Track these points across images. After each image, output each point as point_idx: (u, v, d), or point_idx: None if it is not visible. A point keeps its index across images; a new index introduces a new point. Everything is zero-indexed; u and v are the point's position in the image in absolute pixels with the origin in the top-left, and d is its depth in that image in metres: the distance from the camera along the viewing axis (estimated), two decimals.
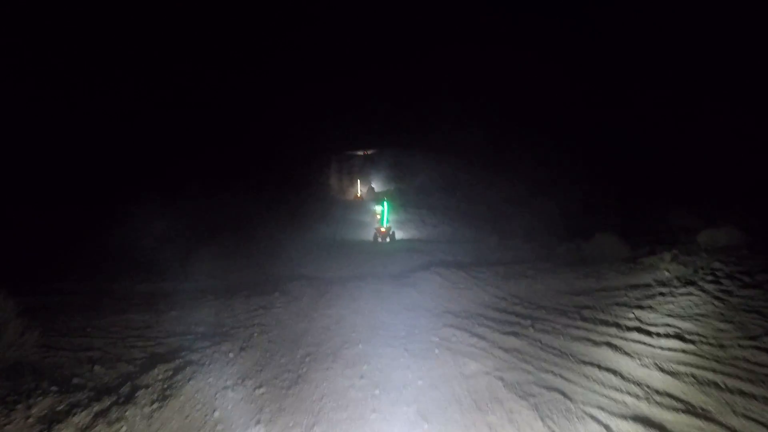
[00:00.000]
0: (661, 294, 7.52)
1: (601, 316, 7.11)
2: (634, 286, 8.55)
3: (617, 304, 7.60)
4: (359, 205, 25.88)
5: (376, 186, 29.18)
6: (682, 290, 7.36)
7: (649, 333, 5.90)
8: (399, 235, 18.26)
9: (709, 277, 7.64)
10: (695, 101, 24.76)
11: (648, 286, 8.39)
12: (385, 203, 18.61)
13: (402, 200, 23.72)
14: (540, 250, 14.19)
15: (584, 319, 7.14)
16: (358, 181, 29.51)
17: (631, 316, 6.85)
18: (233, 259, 14.07)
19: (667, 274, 8.79)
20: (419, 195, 25.70)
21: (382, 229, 17.56)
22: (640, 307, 7.07)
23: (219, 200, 20.27)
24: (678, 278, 8.32)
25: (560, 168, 26.60)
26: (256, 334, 7.12)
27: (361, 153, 32.82)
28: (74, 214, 17.83)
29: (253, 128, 32.40)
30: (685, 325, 5.88)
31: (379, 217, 18.48)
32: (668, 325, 6.03)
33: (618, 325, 6.42)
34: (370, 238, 17.80)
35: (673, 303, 6.91)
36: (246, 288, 10.14)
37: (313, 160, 31.38)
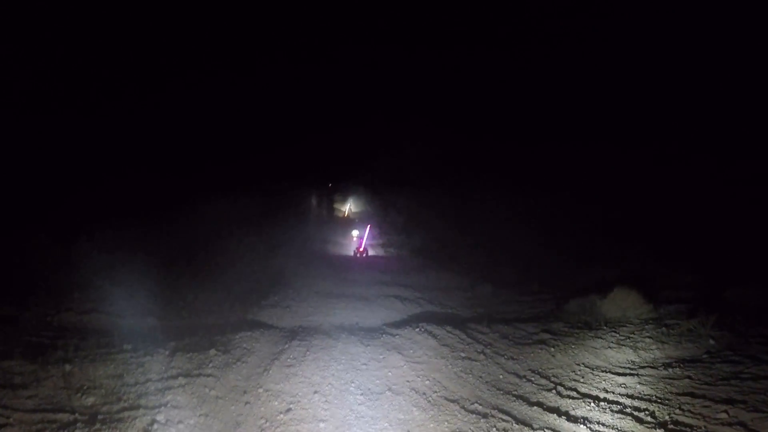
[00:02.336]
0: (736, 376, 5.62)
1: (680, 416, 4.94)
2: (684, 361, 6.50)
3: (684, 394, 5.47)
4: (343, 222, 28.68)
5: (354, 208, 32.61)
6: (754, 369, 5.62)
7: None
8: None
9: None
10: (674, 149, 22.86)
11: (700, 361, 6.45)
12: (363, 229, 22.22)
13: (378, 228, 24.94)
14: (544, 304, 11.66)
15: (661, 425, 4.68)
16: (342, 204, 33.09)
17: (724, 416, 4.73)
18: (183, 290, 11.30)
19: (712, 342, 7.13)
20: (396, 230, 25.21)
21: (361, 249, 19.82)
22: (728, 401, 4.97)
23: (193, 221, 17.95)
24: (732, 349, 6.67)
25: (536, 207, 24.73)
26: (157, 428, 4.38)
27: (330, 185, 34.90)
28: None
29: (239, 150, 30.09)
30: None
31: (357, 238, 21.56)
32: None
33: None
34: (350, 253, 20.12)
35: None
36: (178, 335, 7.38)
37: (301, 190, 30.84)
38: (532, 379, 6.28)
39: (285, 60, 36.43)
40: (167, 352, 6.33)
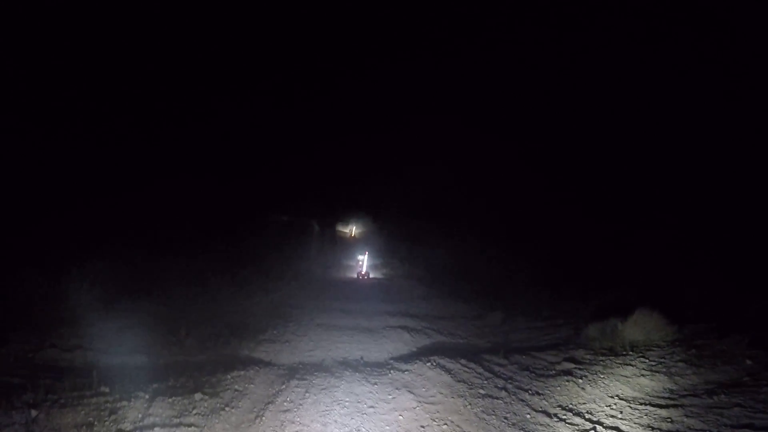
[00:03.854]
0: None
1: None
2: (726, 386, 5.84)
3: (742, 426, 4.77)
4: (349, 243, 30.43)
5: (358, 230, 33.94)
6: None
7: None
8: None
9: None
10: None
11: (743, 384, 5.86)
12: (366, 254, 23.11)
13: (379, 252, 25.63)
14: (559, 330, 10.69)
15: None
16: (346, 227, 34.22)
17: None
18: (177, 324, 10.24)
19: (749, 362, 6.57)
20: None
21: (363, 272, 21.23)
22: None
23: (190, 255, 17.10)
24: None
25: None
26: None
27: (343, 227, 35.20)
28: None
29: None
30: None
31: (360, 263, 22.68)
32: None
33: None
34: (354, 275, 21.37)
35: None
36: (163, 375, 6.40)
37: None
38: (564, 417, 5.33)
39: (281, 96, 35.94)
40: (147, 396, 5.39)
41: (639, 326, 8.99)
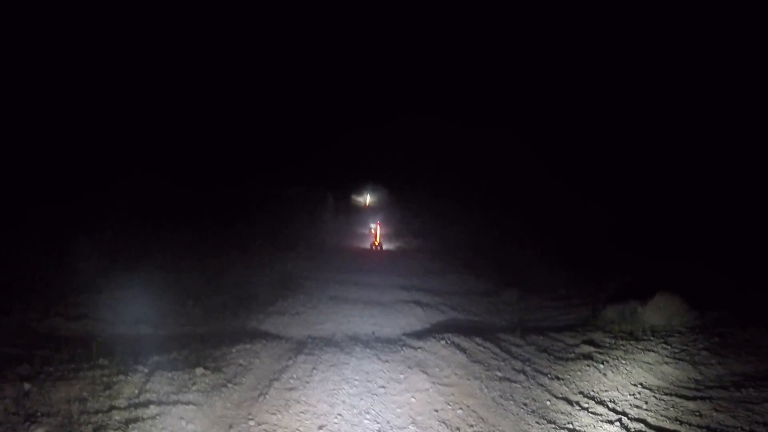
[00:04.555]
0: None
1: None
2: (754, 379, 5.40)
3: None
4: (363, 211, 30.56)
5: (372, 199, 34.01)
6: None
7: None
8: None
9: None
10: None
11: None
12: (378, 223, 23.00)
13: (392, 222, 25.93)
14: (577, 311, 10.28)
15: None
16: (361, 196, 34.49)
17: None
18: (186, 295, 9.86)
19: None
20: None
21: (376, 243, 21.08)
22: None
23: (206, 225, 16.80)
24: None
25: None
26: None
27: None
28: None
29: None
30: None
31: (373, 232, 22.48)
32: None
33: None
34: (367, 246, 21.05)
35: None
36: (166, 347, 6.09)
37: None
38: (587, 405, 4.93)
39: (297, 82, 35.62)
40: (146, 370, 5.07)
41: (660, 310, 8.54)
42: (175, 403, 4.44)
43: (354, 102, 36.78)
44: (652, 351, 6.50)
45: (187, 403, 4.48)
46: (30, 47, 17.93)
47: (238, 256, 13.06)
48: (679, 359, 6.18)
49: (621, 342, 7.00)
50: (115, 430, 3.95)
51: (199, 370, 5.14)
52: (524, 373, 5.74)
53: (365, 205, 33.99)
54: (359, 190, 34.68)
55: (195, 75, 28.24)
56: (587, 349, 6.73)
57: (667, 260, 14.82)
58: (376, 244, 21.21)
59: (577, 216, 21.50)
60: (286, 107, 34.44)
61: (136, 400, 4.46)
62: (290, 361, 5.85)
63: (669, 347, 6.64)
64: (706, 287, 10.89)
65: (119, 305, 8.75)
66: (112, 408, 4.31)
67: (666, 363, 6.10)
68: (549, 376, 5.71)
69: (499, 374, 5.68)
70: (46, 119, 17.64)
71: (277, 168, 29.60)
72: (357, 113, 36.48)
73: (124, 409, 4.29)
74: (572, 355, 6.53)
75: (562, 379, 5.61)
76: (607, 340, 7.20)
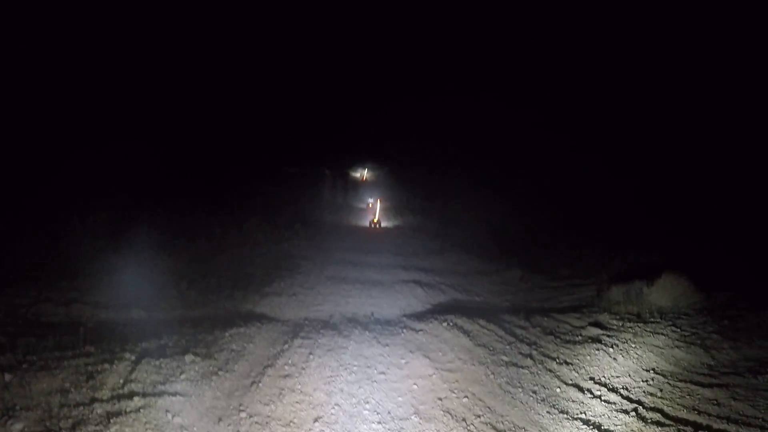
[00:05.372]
0: None
1: None
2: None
3: None
4: (361, 186, 30.80)
5: (369, 174, 34.30)
6: None
7: None
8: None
9: None
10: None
11: None
12: (378, 200, 23.57)
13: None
14: (580, 291, 9.97)
15: None
16: (359, 172, 34.87)
17: None
18: (180, 276, 9.45)
19: None
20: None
21: (375, 220, 20.72)
22: None
23: (203, 205, 16.43)
24: None
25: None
26: None
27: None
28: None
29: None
30: None
31: (370, 205, 23.58)
32: None
33: None
34: (365, 224, 20.71)
35: None
36: (156, 332, 5.73)
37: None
38: (599, 393, 4.62)
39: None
40: (133, 358, 4.74)
41: (666, 291, 8.20)
42: (161, 393, 4.11)
43: (355, 83, 36.23)
44: (662, 334, 6.22)
45: (174, 393, 4.15)
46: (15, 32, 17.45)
47: (234, 235, 12.71)
48: (690, 343, 5.91)
49: (629, 324, 6.71)
50: (96, 425, 3.63)
51: (189, 357, 4.81)
52: (531, 357, 5.43)
53: (363, 179, 33.85)
54: (358, 167, 34.42)
55: (196, 60, 27.72)
56: (595, 331, 6.45)
57: (675, 236, 14.54)
58: (375, 222, 20.86)
59: (583, 190, 21.20)
60: (290, 88, 33.81)
61: (120, 392, 4.13)
62: (285, 346, 5.54)
63: (678, 330, 6.37)
64: (713, 267, 10.63)
65: (112, 289, 8.42)
66: (94, 400, 3.98)
67: (677, 347, 5.83)
68: (557, 360, 5.41)
69: (506, 359, 5.37)
70: (37, 100, 17.21)
71: (279, 150, 29.23)
72: (358, 94, 35.90)
73: (107, 401, 3.97)
74: (579, 338, 6.23)
75: (571, 364, 5.30)
76: (614, 322, 6.91)
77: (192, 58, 27.38)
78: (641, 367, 5.29)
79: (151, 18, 23.93)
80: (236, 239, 12.58)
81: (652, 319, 6.96)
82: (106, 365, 4.58)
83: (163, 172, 18.94)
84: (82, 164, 15.90)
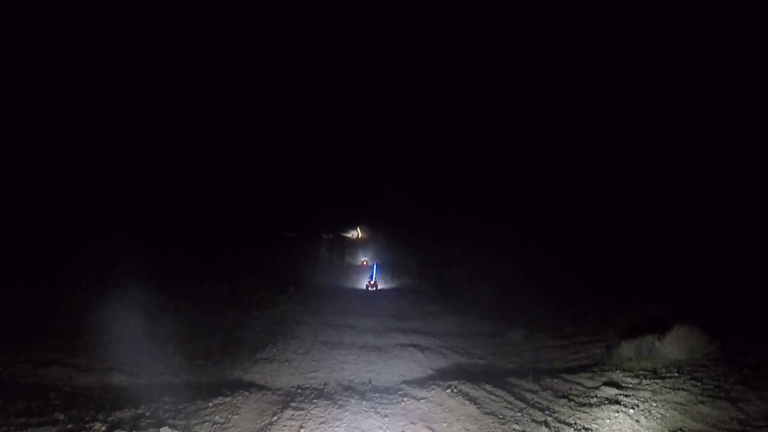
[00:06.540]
0: None
1: None
2: None
3: None
4: (354, 244, 31.49)
5: (362, 233, 35.21)
6: None
7: None
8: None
9: None
10: None
11: None
12: (375, 264, 23.68)
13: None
14: (587, 349, 9.40)
15: None
16: (351, 231, 35.70)
17: None
18: (168, 339, 8.97)
19: None
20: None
21: (371, 282, 20.83)
22: None
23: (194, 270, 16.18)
24: None
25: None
26: None
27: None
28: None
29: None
30: None
31: (365, 263, 24.50)
32: None
33: None
34: (361, 286, 20.98)
35: None
36: (134, 400, 5.13)
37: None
38: None
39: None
40: (103, 429, 4.20)
41: (679, 344, 7.72)
42: None
43: (346, 143, 36.36)
44: (682, 389, 5.75)
45: None
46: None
47: (226, 299, 12.21)
48: (715, 397, 5.46)
49: (645, 381, 6.23)
50: None
51: (164, 430, 4.24)
52: (546, 424, 4.87)
53: (359, 238, 34.58)
54: (354, 227, 35.18)
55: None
56: (610, 391, 5.92)
57: (676, 278, 14.01)
58: (372, 283, 20.87)
59: (578, 238, 20.75)
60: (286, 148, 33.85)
61: None
62: (275, 418, 4.97)
63: (699, 384, 5.91)
64: (722, 310, 10.16)
65: (96, 349, 8.00)
66: None
67: (701, 402, 5.38)
68: (575, 427, 4.85)
69: (518, 428, 4.81)
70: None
71: (275, 208, 29.30)
72: (349, 154, 36.06)
73: None
74: (595, 399, 5.69)
75: (591, 430, 4.74)
76: (630, 380, 6.40)
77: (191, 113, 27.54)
78: (667, 428, 4.78)
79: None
80: (228, 303, 12.07)
81: (668, 374, 6.49)
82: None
83: (159, 234, 18.72)
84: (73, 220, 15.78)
